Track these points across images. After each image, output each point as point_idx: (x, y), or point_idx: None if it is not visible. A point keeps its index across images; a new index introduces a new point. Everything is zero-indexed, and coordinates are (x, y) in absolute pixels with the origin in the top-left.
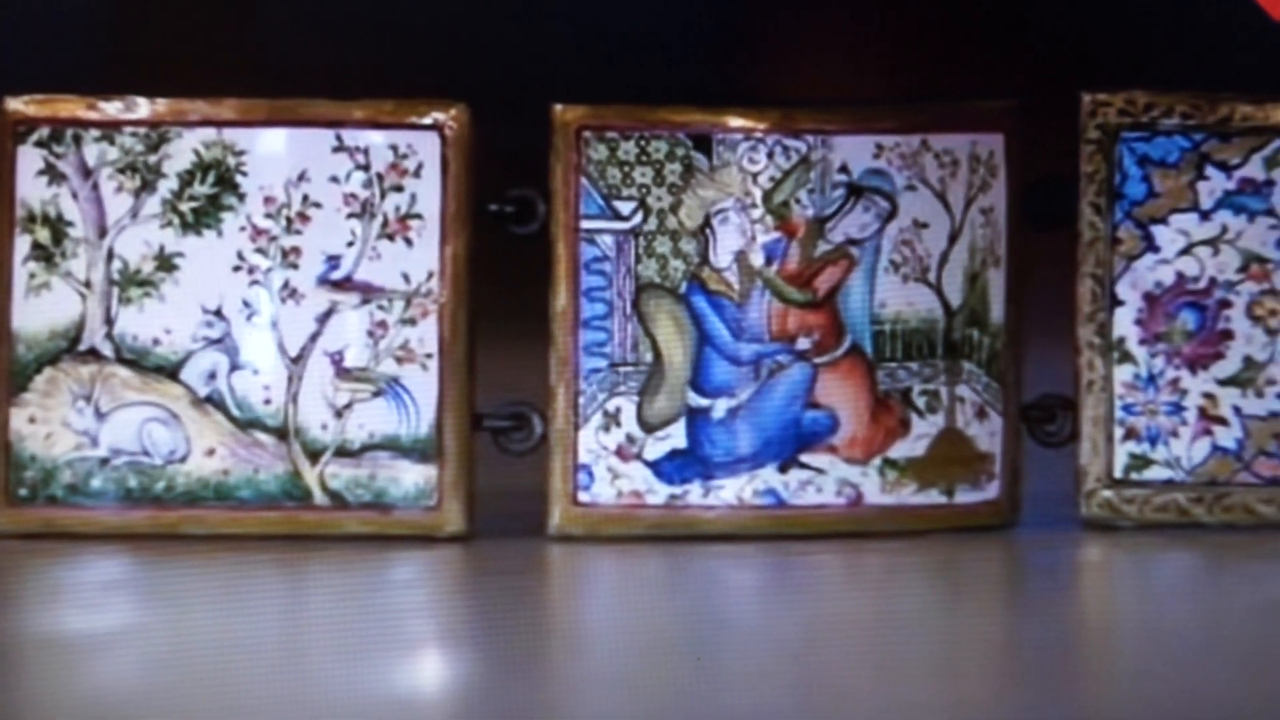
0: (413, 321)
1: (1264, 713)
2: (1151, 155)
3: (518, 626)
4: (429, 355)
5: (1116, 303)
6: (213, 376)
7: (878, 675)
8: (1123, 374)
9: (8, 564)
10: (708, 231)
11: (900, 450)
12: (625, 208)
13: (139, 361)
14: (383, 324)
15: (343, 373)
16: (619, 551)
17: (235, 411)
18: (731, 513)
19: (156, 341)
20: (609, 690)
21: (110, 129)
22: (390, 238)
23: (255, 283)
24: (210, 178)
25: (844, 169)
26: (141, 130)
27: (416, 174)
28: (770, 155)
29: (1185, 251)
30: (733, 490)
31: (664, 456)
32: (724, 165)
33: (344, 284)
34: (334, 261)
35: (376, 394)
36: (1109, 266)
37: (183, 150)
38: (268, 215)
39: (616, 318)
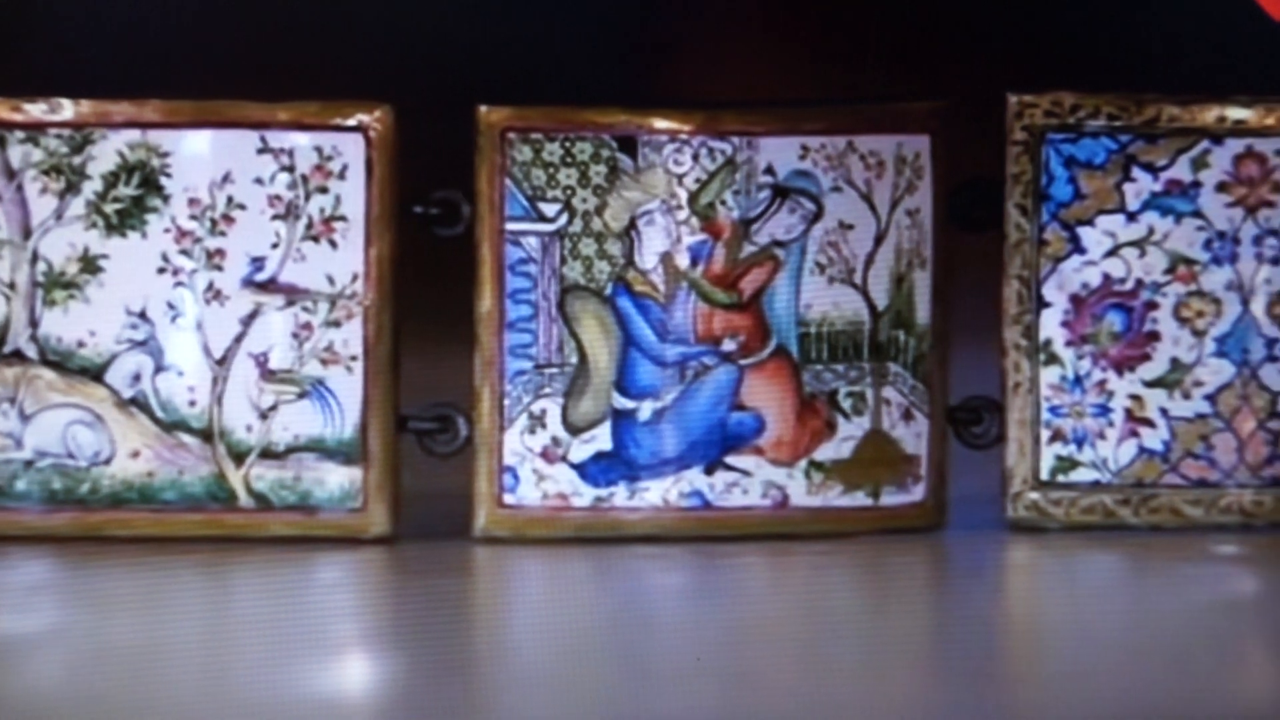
0: (337, 323)
1: (1189, 713)
2: (1078, 157)
3: (443, 628)
4: (354, 357)
5: (1043, 304)
6: (137, 378)
7: (804, 676)
8: (1049, 376)
9: None
10: (633, 233)
11: (826, 452)
12: (550, 209)
13: (63, 363)
14: (307, 326)
15: (267, 374)
16: (544, 553)
17: (160, 413)
18: (657, 515)
19: (81, 343)
20: (534, 691)
21: (35, 130)
22: (315, 239)
23: (180, 284)
24: (135, 179)
25: (769, 170)
26: (66, 132)
27: (341, 176)
28: (695, 157)
29: (1112, 253)
30: (658, 492)
31: (589, 458)
32: (649, 167)
33: (269, 286)
34: (259, 263)
35: (301, 396)
36: (1035, 268)
37: (107, 152)
38: (192, 217)
39: (541, 319)
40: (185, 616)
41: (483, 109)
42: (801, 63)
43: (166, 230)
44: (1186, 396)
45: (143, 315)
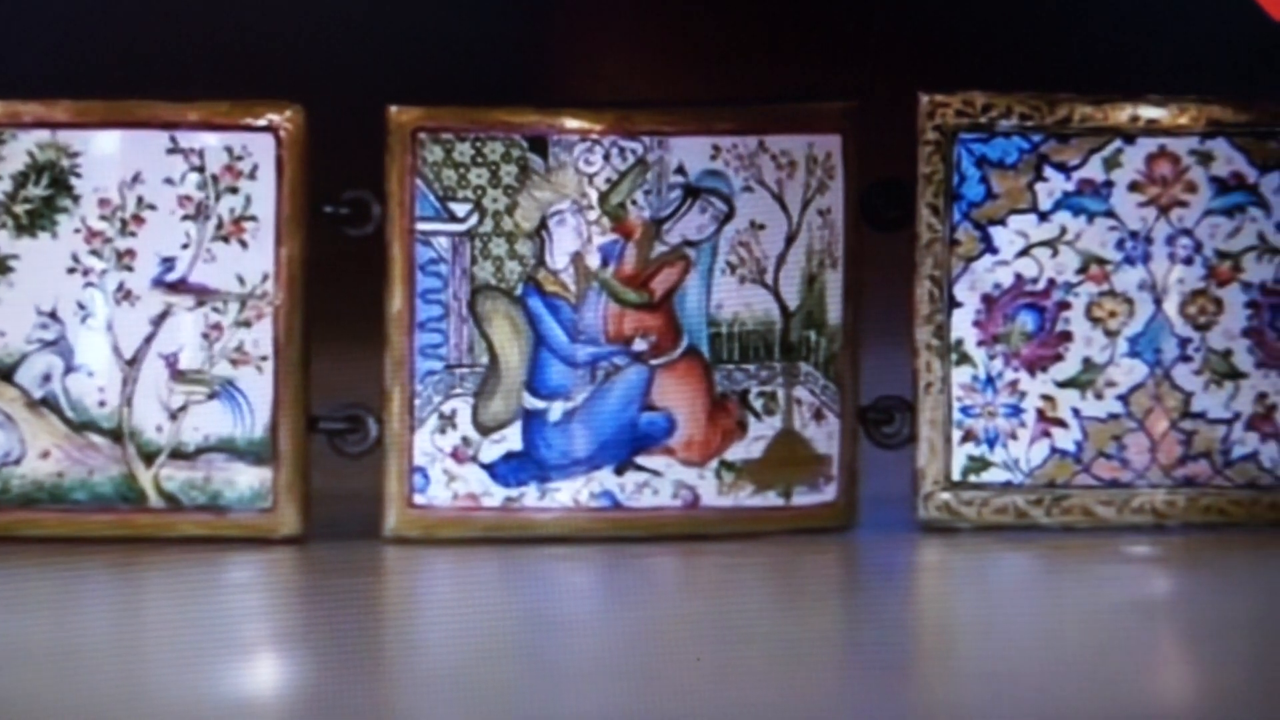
0: (248, 324)
1: (1101, 713)
2: (990, 156)
3: (353, 629)
4: (264, 357)
5: (955, 304)
6: (47, 379)
7: (715, 676)
8: (961, 376)
9: None
10: (544, 233)
11: (737, 452)
12: (461, 209)
13: None
14: (218, 326)
15: (178, 375)
16: (454, 554)
17: (70, 414)
18: (567, 515)
19: None
20: (444, 692)
21: None
22: (225, 239)
23: (90, 285)
24: (44, 179)
25: (681, 170)
26: None
27: (251, 176)
28: (606, 157)
29: (1024, 253)
30: (569, 492)
31: (500, 459)
32: (560, 167)
33: (179, 286)
34: (169, 264)
35: (211, 396)
36: (947, 268)
37: (16, 152)
38: (102, 217)
39: (452, 320)
40: (95, 617)
41: (393, 109)
42: (713, 63)
43: (77, 230)
44: (1099, 397)
45: (53, 315)
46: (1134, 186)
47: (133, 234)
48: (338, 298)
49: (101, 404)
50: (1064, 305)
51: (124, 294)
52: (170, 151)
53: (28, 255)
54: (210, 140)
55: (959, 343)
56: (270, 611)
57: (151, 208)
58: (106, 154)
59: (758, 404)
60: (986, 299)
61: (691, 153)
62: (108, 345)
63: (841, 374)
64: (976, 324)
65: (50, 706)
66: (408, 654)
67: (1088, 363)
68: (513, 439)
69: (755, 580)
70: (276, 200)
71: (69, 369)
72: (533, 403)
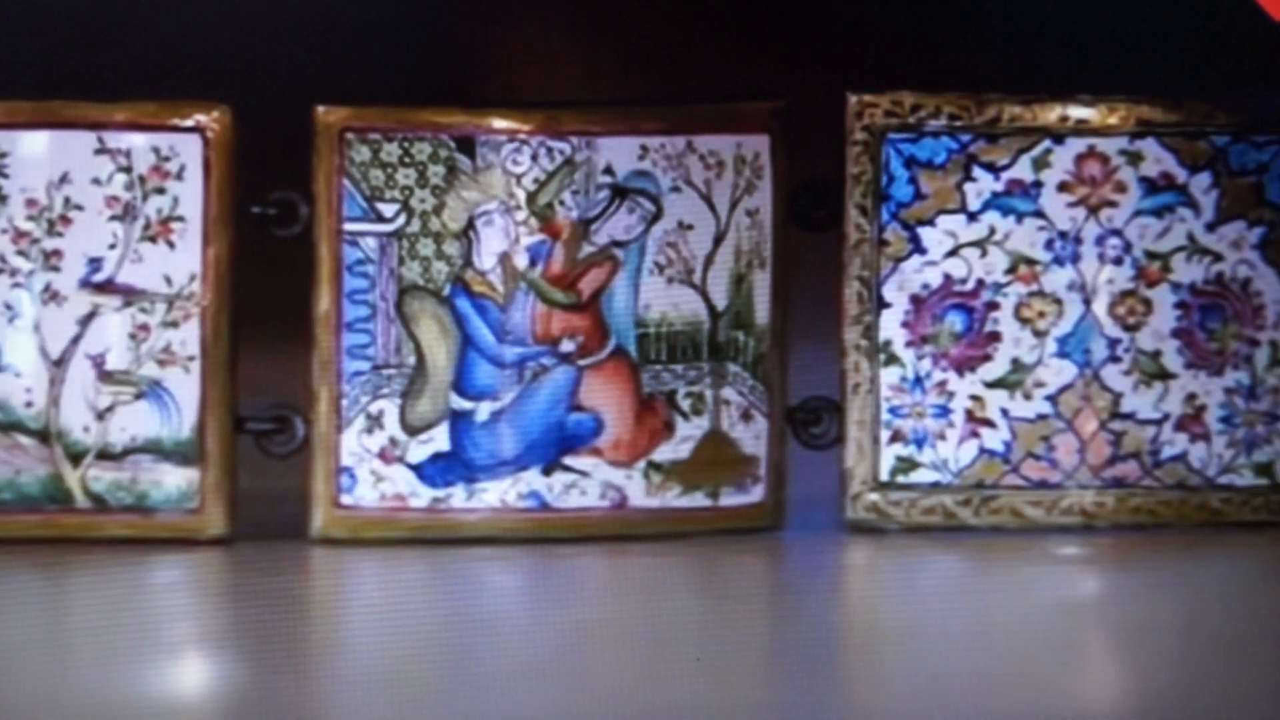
0: (175, 324)
1: (1029, 714)
2: (918, 156)
3: (280, 630)
4: (191, 358)
5: (883, 305)
6: None
7: (642, 677)
8: (889, 376)
9: None
10: (471, 234)
11: (665, 453)
12: (388, 210)
13: None
14: (145, 327)
15: (104, 375)
16: (382, 555)
17: None
18: (495, 516)
19: None
20: (370, 692)
21: None
22: (152, 240)
23: (17, 285)
24: None
25: (609, 170)
26: None
27: (179, 176)
28: (534, 157)
29: (952, 253)
30: (496, 493)
31: (427, 459)
32: (488, 167)
33: (106, 287)
34: (96, 264)
35: (138, 396)
36: (875, 268)
37: None
38: (29, 218)
39: (379, 320)
40: (21, 618)
41: (320, 109)
42: (641, 63)
43: (4, 231)
44: (1028, 397)
45: None
46: (1063, 187)
47: (60, 234)
48: (265, 298)
49: (28, 404)
50: (993, 306)
51: (51, 294)
52: (98, 152)
53: None
54: (137, 141)
55: (887, 343)
56: (197, 612)
57: (79, 208)
58: (33, 154)
59: (685, 404)
60: (915, 299)
61: (619, 153)
62: (35, 346)
63: (769, 374)
64: (905, 324)
65: None
66: (334, 655)
67: (1016, 363)
68: (440, 440)
69: (683, 581)
70: (204, 201)
71: None
72: (460, 403)
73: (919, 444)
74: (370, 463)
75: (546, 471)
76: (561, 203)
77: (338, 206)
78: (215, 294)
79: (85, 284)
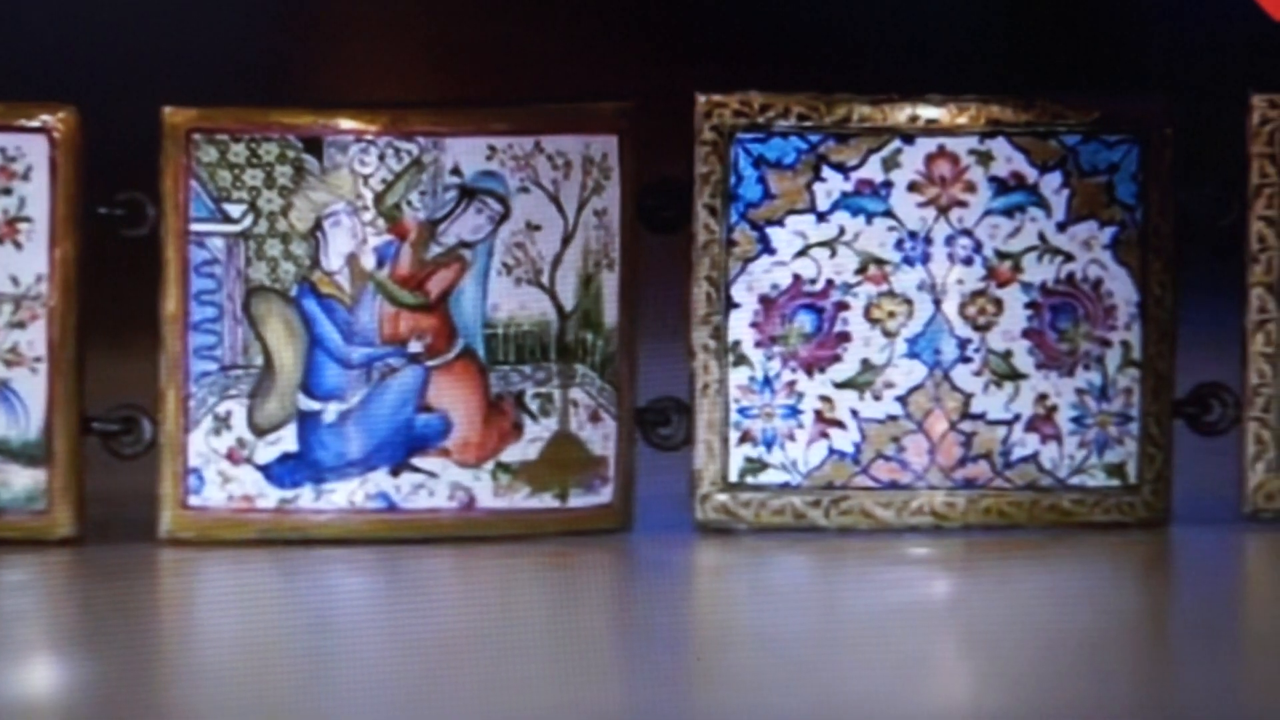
0: (22, 325)
1: (878, 715)
2: (767, 156)
3: (128, 631)
4: (38, 359)
5: (732, 305)
6: None
7: (491, 679)
8: (738, 377)
9: None
10: (318, 234)
11: (513, 453)
12: (235, 210)
13: None
14: None
15: None
16: (230, 555)
17: None
18: (343, 517)
19: None
20: (219, 694)
21: None
22: None
23: None
24: None
25: (456, 171)
26: None
27: (25, 177)
28: (381, 157)
29: (802, 253)
30: (344, 494)
31: (275, 460)
32: (335, 168)
33: None
34: None
35: None
36: (724, 269)
37: None
38: None
39: (227, 321)
40: None
41: (167, 110)
42: (489, 63)
43: None
44: (877, 398)
45: None
46: (913, 187)
47: None
48: (112, 299)
49: None
50: (842, 306)
51: None
52: None
53: None
54: None
55: (736, 344)
56: (45, 613)
57: None
58: None
59: (534, 405)
60: (764, 300)
61: (467, 153)
62: None
63: (618, 375)
64: (754, 325)
65: None
66: (183, 655)
67: (866, 364)
68: (288, 440)
69: (531, 582)
70: (50, 201)
71: None
72: (308, 404)
73: (768, 445)
74: (218, 463)
75: (394, 472)
76: (409, 203)
77: (185, 207)
78: (62, 295)
79: None
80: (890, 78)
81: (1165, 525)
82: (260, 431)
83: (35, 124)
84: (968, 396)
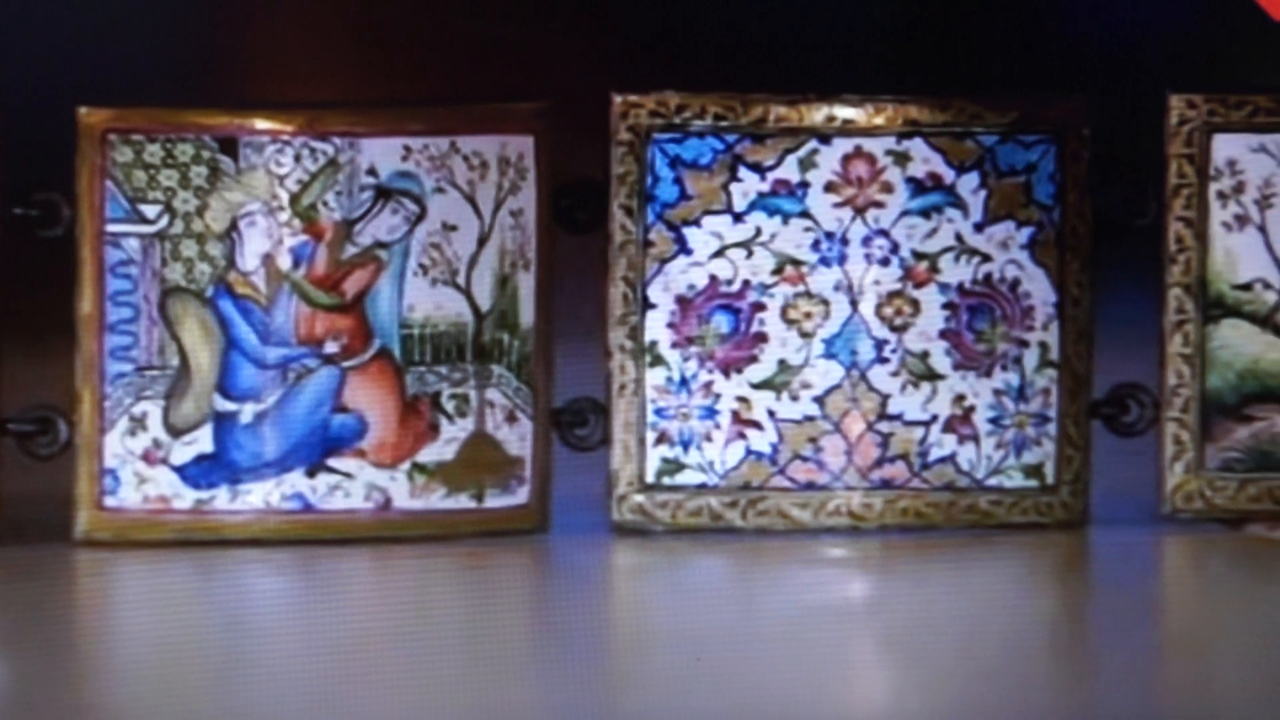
0: None
1: (795, 716)
2: (684, 157)
3: (44, 632)
4: None
5: (648, 306)
6: None
7: (407, 679)
8: (655, 378)
9: None
10: (234, 235)
11: (429, 454)
12: (151, 211)
13: None
14: None
15: None
16: (147, 556)
17: None
18: (259, 517)
19: None
20: (136, 695)
21: None
22: None
23: None
24: None
25: (372, 171)
26: None
27: None
28: (297, 158)
29: (718, 254)
30: (260, 495)
31: (191, 461)
32: (250, 168)
33: None
34: None
35: None
36: (641, 269)
37: None
38: None
39: (143, 321)
40: None
41: (83, 110)
42: (404, 63)
43: None
44: (794, 398)
45: None
46: (830, 187)
47: None
48: (27, 299)
49: None
50: (759, 306)
51: None
52: None
53: None
54: None
55: (653, 344)
56: None
57: None
58: None
59: (450, 406)
60: (681, 300)
61: (383, 154)
62: None
63: (534, 376)
64: (671, 325)
65: None
66: (100, 656)
67: (783, 364)
68: (204, 441)
69: (448, 583)
70: None
71: None
72: (224, 405)
73: (685, 445)
74: (134, 464)
75: (310, 473)
76: (325, 204)
77: (100, 208)
78: None
79: None
80: (807, 78)
81: (1083, 526)
82: (176, 432)
83: None
84: (885, 397)
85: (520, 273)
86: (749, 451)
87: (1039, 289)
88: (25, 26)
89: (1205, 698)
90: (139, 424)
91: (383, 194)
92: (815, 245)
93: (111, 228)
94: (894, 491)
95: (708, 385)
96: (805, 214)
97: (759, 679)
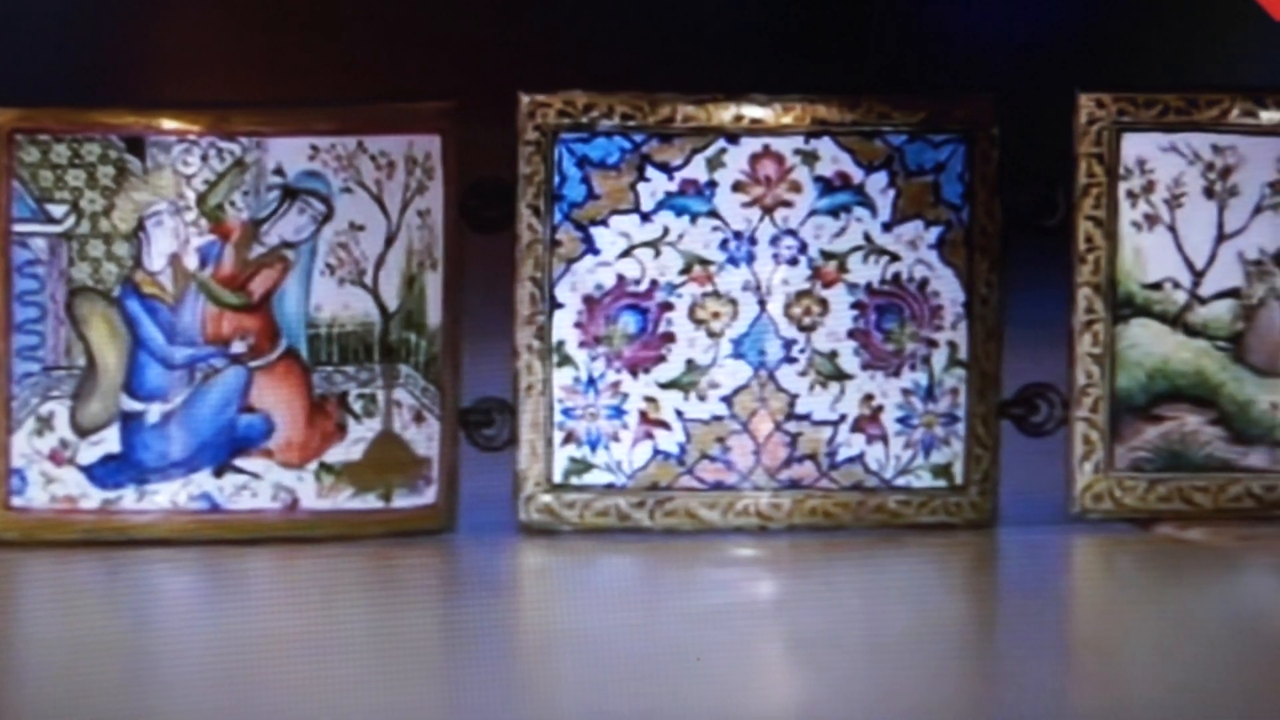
0: None
1: (702, 717)
2: (591, 156)
3: None
4: None
5: (556, 306)
6: None
7: (313, 680)
8: (562, 377)
9: None
10: (141, 235)
11: (337, 454)
12: (58, 211)
13: None
14: None
15: None
16: (53, 556)
17: None
18: (166, 517)
19: None
20: (42, 695)
21: None
22: None
23: None
24: None
25: (279, 171)
26: None
27: None
28: (204, 158)
29: (626, 254)
30: (167, 495)
31: (97, 461)
32: (157, 168)
33: None
34: None
35: None
36: (548, 269)
37: None
38: None
39: (49, 321)
40: None
41: None
42: (311, 63)
43: None
44: (702, 398)
45: None
46: (738, 187)
47: None
48: None
49: None
50: (667, 306)
51: None
52: None
53: None
54: None
55: (560, 344)
56: None
57: None
58: None
59: (357, 406)
60: (588, 300)
61: (290, 153)
62: None
63: (441, 376)
64: (578, 325)
65: None
66: (5, 657)
67: (691, 364)
68: (111, 441)
69: (354, 583)
70: None
71: None
72: (131, 405)
73: (592, 445)
74: (41, 464)
75: (217, 473)
76: (232, 203)
77: (6, 207)
78: None
79: None
80: (715, 77)
81: (992, 526)
82: (83, 432)
83: None
84: (793, 397)
85: (428, 272)
86: (656, 451)
87: (947, 288)
88: None
89: (1113, 697)
90: (46, 424)
91: (290, 194)
92: (723, 245)
93: (18, 227)
94: (802, 491)
95: (615, 385)
96: (713, 214)
97: (665, 680)
